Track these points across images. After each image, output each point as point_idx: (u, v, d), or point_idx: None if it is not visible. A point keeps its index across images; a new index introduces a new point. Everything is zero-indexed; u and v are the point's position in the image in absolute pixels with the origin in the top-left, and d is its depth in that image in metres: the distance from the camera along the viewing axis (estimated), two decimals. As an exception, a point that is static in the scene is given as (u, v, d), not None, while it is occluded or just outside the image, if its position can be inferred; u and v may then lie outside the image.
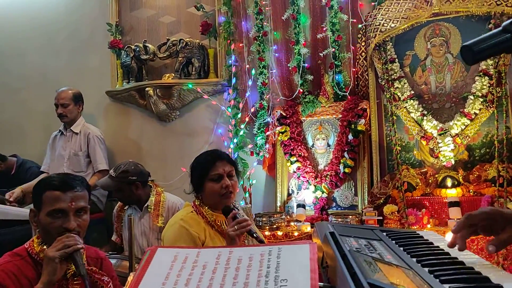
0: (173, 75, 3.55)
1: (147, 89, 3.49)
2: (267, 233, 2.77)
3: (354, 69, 3.09)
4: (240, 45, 3.43)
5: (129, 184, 2.73)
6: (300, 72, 3.17)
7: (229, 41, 3.44)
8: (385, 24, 2.90)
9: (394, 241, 1.14)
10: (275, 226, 2.85)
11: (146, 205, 2.82)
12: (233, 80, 3.39)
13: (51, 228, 1.45)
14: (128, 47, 3.65)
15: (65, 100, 3.43)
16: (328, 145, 3.17)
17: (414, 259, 0.97)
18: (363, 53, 3.05)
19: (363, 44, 3.06)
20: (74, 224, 1.46)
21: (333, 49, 3.09)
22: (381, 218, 2.70)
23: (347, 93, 3.08)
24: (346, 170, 3.01)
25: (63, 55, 4.04)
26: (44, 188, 1.49)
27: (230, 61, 3.43)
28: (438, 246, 1.11)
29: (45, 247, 1.46)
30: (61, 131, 3.55)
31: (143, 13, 3.84)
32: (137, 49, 3.59)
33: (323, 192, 3.07)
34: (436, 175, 2.83)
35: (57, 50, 4.06)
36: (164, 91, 3.57)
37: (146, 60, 3.64)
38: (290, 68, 3.24)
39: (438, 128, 2.82)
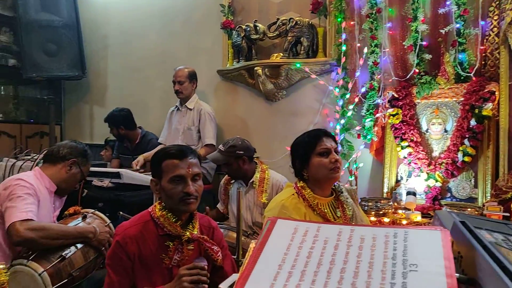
0: (282, 54, 3.56)
1: (256, 68, 3.56)
2: (372, 218, 2.68)
3: (482, 47, 2.77)
4: (351, 23, 3.30)
5: (236, 158, 2.84)
6: (417, 50, 2.95)
7: (339, 19, 3.32)
8: (526, -6, 2.55)
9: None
10: (381, 212, 2.74)
11: (251, 180, 2.91)
12: (343, 60, 3.29)
13: (173, 194, 1.55)
14: (239, 27, 3.74)
15: (181, 77, 3.66)
16: (445, 131, 2.92)
17: None
18: (495, 28, 2.72)
19: (495, 18, 2.72)
20: (193, 188, 1.56)
21: (457, 25, 2.81)
22: (507, 214, 2.42)
23: (471, 74, 2.79)
24: (466, 158, 2.75)
25: (180, 36, 4.29)
26: (163, 158, 1.60)
27: (340, 40, 3.32)
28: None
29: (165, 212, 1.58)
30: (177, 106, 3.81)
31: (255, -7, 3.90)
32: (248, 29, 3.66)
33: (436, 180, 2.86)
34: None
35: (174, 32, 4.32)
36: (272, 71, 3.61)
37: (256, 39, 3.70)
38: (405, 47, 3.03)
39: None
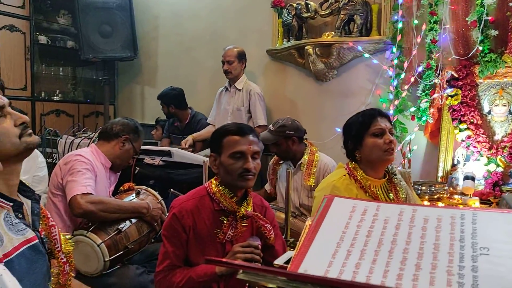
0: (333, 33, 3.45)
1: (306, 47, 3.48)
2: (426, 203, 2.58)
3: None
4: (409, -2, 3.13)
5: (286, 138, 2.81)
6: (481, 26, 2.76)
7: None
8: None
9: None
10: (435, 197, 2.63)
11: (299, 162, 2.88)
12: (398, 38, 3.14)
13: (232, 169, 1.56)
14: (290, 5, 3.66)
15: (230, 57, 3.65)
16: (510, 113, 2.73)
17: None
18: None
19: None
20: (252, 165, 1.55)
21: (528, -2, 2.60)
22: None
23: (542, 51, 2.58)
24: (532, 142, 2.57)
25: (230, 16, 4.27)
26: (224, 134, 1.61)
27: (396, 17, 3.16)
28: None
29: (221, 187, 1.59)
30: (226, 87, 3.82)
31: (306, -31, 3.79)
32: (299, 7, 3.57)
33: (498, 165, 2.69)
34: None
35: (224, 12, 4.31)
36: (323, 50, 3.52)
37: (307, 18, 3.61)
38: (468, 23, 2.84)
39: None
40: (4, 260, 1.02)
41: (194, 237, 1.56)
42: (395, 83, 3.16)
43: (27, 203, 1.18)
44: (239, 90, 3.70)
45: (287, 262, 0.85)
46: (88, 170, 2.04)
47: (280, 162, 3.06)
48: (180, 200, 1.62)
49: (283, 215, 2.66)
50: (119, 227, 1.98)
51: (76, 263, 1.67)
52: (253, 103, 3.62)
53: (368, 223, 0.85)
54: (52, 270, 1.22)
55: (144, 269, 2.05)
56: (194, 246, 1.56)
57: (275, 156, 3.08)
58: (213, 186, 1.61)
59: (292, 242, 2.40)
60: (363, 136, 1.82)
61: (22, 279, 1.04)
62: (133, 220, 2.08)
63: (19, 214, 1.12)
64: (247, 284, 1.62)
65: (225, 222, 1.57)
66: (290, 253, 0.89)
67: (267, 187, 3.20)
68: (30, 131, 1.14)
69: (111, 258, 1.89)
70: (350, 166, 1.86)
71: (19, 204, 1.12)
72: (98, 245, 1.86)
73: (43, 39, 4.71)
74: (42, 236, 1.19)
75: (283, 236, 2.18)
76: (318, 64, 3.52)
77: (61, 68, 5.03)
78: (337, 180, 1.84)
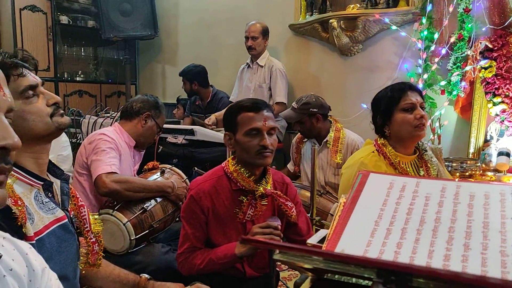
0: (358, 5, 3.32)
1: (330, 21, 3.36)
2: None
3: None
4: (440, -35, 2.96)
5: (310, 116, 2.74)
6: (519, -7, 2.59)
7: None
8: None
9: None
10: (467, 174, 2.53)
11: (325, 140, 2.81)
12: (428, 8, 2.99)
13: (249, 147, 1.51)
14: (312, -23, 3.53)
15: (254, 33, 3.57)
16: (549, 85, 2.59)
17: None
18: None
19: None
20: (269, 142, 1.50)
21: None
22: None
23: None
24: None
25: (251, -11, 4.16)
26: (238, 111, 1.55)
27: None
28: None
29: (238, 167, 1.55)
30: (248, 64, 3.75)
31: None
32: (322, -22, 3.44)
33: (534, 140, 2.57)
34: None
35: (245, -15, 4.20)
36: (348, 23, 3.39)
37: (331, -10, 3.48)
38: (504, -11, 2.68)
39: None
40: (35, 239, 1.02)
41: (213, 218, 1.53)
42: (424, 56, 3.03)
43: (56, 183, 1.18)
44: (261, 66, 3.62)
45: (321, 241, 0.81)
46: (112, 149, 2.02)
47: (304, 140, 3.00)
48: (198, 181, 1.59)
49: (307, 193, 2.61)
50: (144, 206, 1.97)
51: (105, 240, 1.67)
52: (274, 79, 3.55)
53: (407, 200, 0.80)
54: (81, 249, 1.22)
55: (169, 247, 2.04)
56: (214, 227, 1.54)
57: (298, 134, 3.02)
58: (230, 165, 1.57)
59: (318, 220, 2.36)
60: (393, 111, 1.74)
61: (52, 257, 1.04)
62: (158, 199, 2.07)
63: (49, 194, 1.12)
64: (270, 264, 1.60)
65: (244, 201, 1.54)
66: (323, 232, 0.85)
67: (290, 166, 3.15)
68: (62, 111, 1.13)
69: (137, 236, 1.89)
70: (379, 142, 1.80)
71: (49, 184, 1.12)
72: (124, 224, 1.86)
73: (64, 19, 4.71)
74: (71, 215, 1.19)
75: (309, 215, 2.14)
76: (343, 38, 3.40)
77: (82, 48, 5.04)
78: (365, 156, 1.79)
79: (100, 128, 2.91)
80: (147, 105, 2.25)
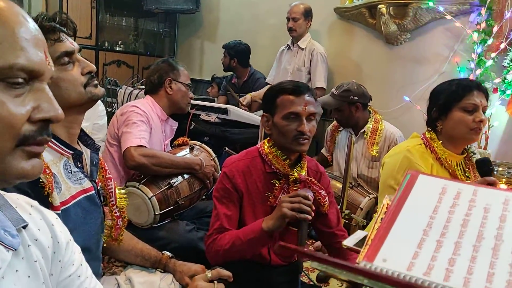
0: (411, -9, 3.12)
1: (379, 6, 3.19)
2: (502, 186, 2.31)
3: None
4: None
5: (349, 104, 2.63)
6: None
7: None
8: None
9: None
10: (514, 181, 2.36)
11: (362, 130, 2.70)
12: (489, -2, 2.77)
13: (286, 131, 1.45)
14: (364, -42, 3.35)
15: (296, 14, 3.45)
16: None
17: None
18: None
19: None
20: (307, 128, 1.44)
21: None
22: None
23: None
24: None
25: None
26: (278, 93, 1.49)
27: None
28: None
29: (274, 149, 1.50)
30: (288, 45, 3.63)
31: None
32: (374, -40, 3.25)
33: None
34: None
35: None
36: (398, 10, 3.20)
37: (382, -27, 3.28)
38: None
39: None
40: (61, 208, 1.01)
41: (245, 198, 1.48)
42: (479, 50, 2.82)
43: (86, 153, 1.16)
44: (302, 49, 3.50)
45: (359, 243, 0.72)
46: (143, 122, 1.99)
47: (340, 129, 2.90)
48: (232, 159, 1.55)
49: (338, 185, 2.52)
50: (171, 181, 1.94)
51: (129, 213, 1.65)
52: (314, 63, 3.43)
53: (463, 210, 0.70)
54: (105, 222, 1.20)
55: (193, 226, 2.01)
56: (245, 207, 1.49)
57: (334, 122, 2.91)
58: (266, 147, 1.52)
59: (347, 214, 2.27)
60: (451, 108, 1.63)
61: (77, 228, 1.02)
62: (185, 176, 2.04)
63: (78, 163, 1.10)
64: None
65: (277, 185, 1.49)
66: (360, 233, 0.76)
67: (324, 152, 3.05)
68: (96, 82, 1.09)
69: (161, 212, 1.87)
70: (427, 136, 1.70)
71: (79, 153, 1.10)
72: (149, 198, 1.84)
73: (108, -13, 4.71)
74: (98, 187, 1.16)
75: (339, 207, 2.06)
76: (391, 26, 3.22)
77: (124, 18, 5.04)
78: (412, 146, 1.70)
79: (135, 100, 2.90)
80: (163, 71, 2.20)
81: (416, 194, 0.74)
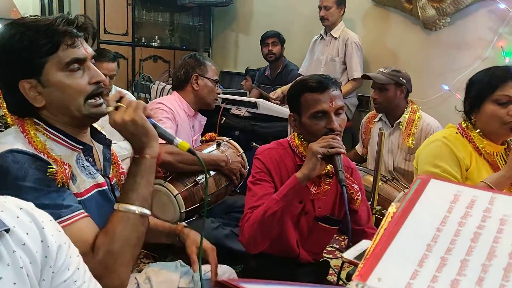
0: (451, -28, 2.94)
1: (416, -10, 3.03)
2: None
3: None
4: None
5: (396, 85, 2.53)
6: None
7: None
8: None
9: None
10: None
11: (398, 121, 2.60)
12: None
13: (315, 130, 1.41)
14: None
15: (328, 2, 3.34)
16: None
17: None
18: None
19: None
20: (336, 124, 1.39)
21: None
22: None
23: None
24: None
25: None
26: (301, 91, 1.44)
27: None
28: None
29: (304, 143, 1.47)
30: (321, 35, 3.54)
31: None
32: None
33: None
34: None
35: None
36: (436, -7, 3.03)
37: (420, -46, 3.10)
38: None
39: None
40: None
41: (278, 186, 1.44)
42: (526, 33, 2.62)
43: (99, 148, 1.16)
44: (335, 38, 3.40)
45: (359, 257, 0.68)
46: (168, 119, 2.00)
47: (375, 120, 2.79)
48: (264, 147, 1.54)
49: (372, 179, 2.43)
50: (196, 179, 1.94)
51: (155, 210, 1.67)
52: (349, 53, 3.31)
53: (475, 221, 0.63)
54: None
55: (219, 223, 2.01)
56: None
57: (369, 113, 2.81)
58: (296, 139, 1.50)
59: (378, 210, 2.19)
60: (483, 100, 1.53)
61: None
62: (212, 173, 2.03)
63: (90, 158, 1.10)
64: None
65: None
66: (364, 244, 0.71)
67: (359, 148, 2.97)
68: (101, 101, 1.05)
69: (187, 209, 1.88)
70: (463, 126, 1.60)
71: (89, 148, 1.10)
72: (175, 196, 1.85)
73: (143, -17, 4.78)
74: (112, 183, 1.16)
75: (369, 203, 1.99)
76: (429, 10, 3.05)
77: (159, 13, 5.11)
78: (448, 134, 1.61)
79: (167, 95, 2.93)
80: (189, 66, 2.19)
81: (424, 202, 0.68)
